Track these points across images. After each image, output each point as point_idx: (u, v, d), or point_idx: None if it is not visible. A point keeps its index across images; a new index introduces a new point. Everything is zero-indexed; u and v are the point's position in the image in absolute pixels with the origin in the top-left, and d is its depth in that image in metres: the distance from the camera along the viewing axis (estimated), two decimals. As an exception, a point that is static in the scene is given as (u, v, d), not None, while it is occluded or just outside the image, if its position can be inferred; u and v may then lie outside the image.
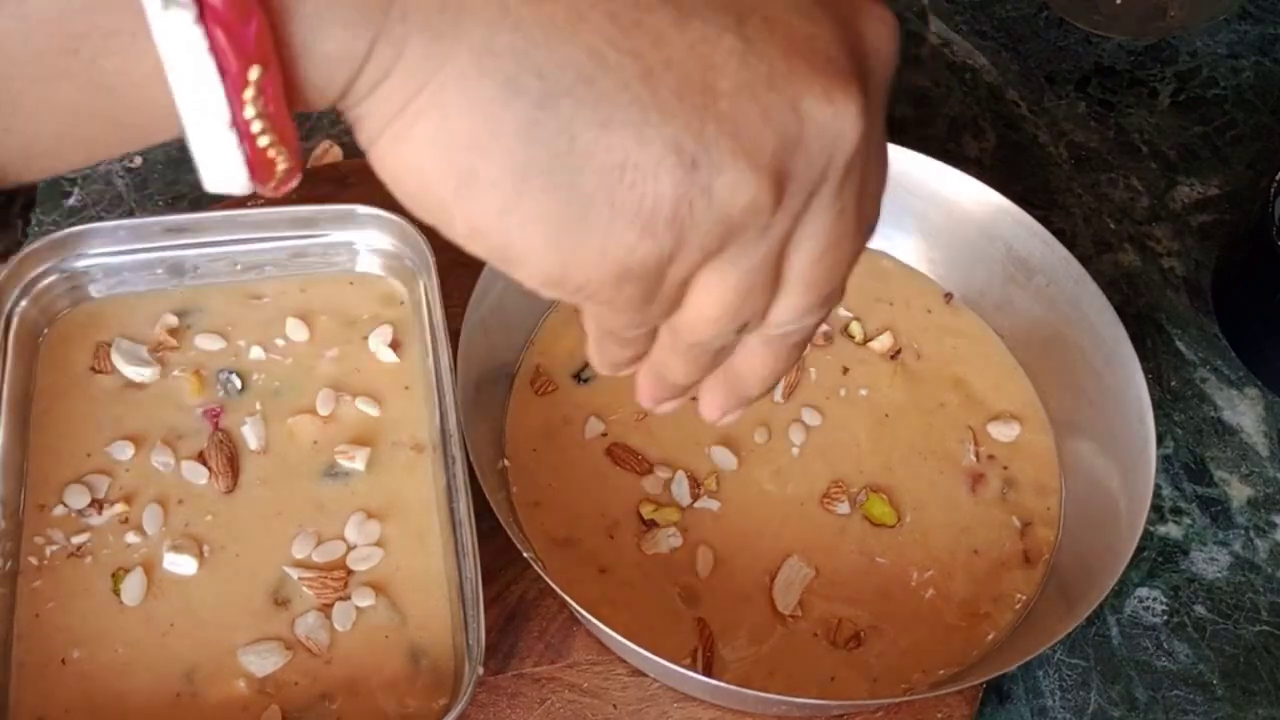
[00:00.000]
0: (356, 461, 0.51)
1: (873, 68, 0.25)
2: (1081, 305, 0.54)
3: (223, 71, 0.21)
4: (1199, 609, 0.54)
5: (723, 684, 0.45)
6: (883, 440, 0.54)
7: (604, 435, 0.53)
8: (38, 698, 0.44)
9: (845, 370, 0.56)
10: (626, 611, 0.48)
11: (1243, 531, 0.56)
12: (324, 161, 0.66)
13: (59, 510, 0.49)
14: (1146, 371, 0.51)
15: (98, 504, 0.49)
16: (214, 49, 0.21)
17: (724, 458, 0.53)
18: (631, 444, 0.53)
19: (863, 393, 0.56)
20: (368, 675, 0.46)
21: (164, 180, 0.64)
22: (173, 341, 0.54)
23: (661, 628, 0.48)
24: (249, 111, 0.22)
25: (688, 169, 0.23)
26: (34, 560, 0.47)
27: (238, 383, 0.53)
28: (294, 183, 0.24)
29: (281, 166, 0.24)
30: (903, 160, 0.57)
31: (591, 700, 0.48)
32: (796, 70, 0.23)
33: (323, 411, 0.52)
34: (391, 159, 0.24)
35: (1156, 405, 0.51)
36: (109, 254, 0.53)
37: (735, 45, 0.23)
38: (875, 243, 0.59)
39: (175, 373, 0.53)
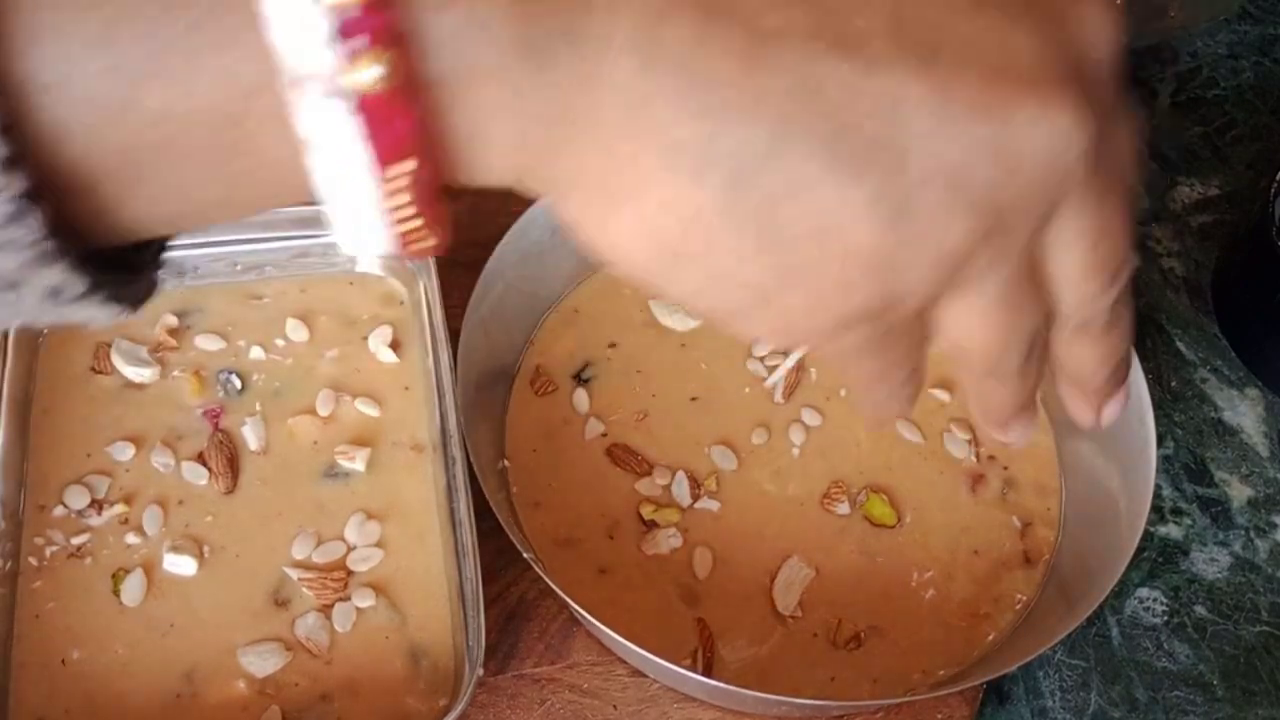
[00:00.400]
0: (356, 462, 0.51)
1: (1093, 59, 0.24)
2: (1081, 305, 0.54)
3: (375, 160, 0.21)
4: (1199, 609, 0.54)
5: (723, 684, 0.45)
6: (883, 440, 0.54)
7: (604, 435, 0.53)
8: (38, 698, 0.44)
9: (845, 370, 0.56)
10: (626, 612, 0.48)
11: (1243, 532, 0.56)
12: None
13: (59, 511, 0.49)
14: (1146, 372, 0.51)
15: (98, 504, 0.49)
16: (366, 136, 0.21)
17: (724, 458, 0.53)
18: (631, 444, 0.53)
19: (863, 393, 0.56)
20: (368, 676, 0.46)
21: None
22: (173, 342, 0.54)
23: (661, 628, 0.48)
24: (396, 200, 0.22)
25: (889, 221, 0.22)
26: (34, 561, 0.47)
27: (238, 383, 0.53)
28: (438, 252, 0.24)
29: (425, 245, 0.23)
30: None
31: (591, 701, 0.48)
32: (1000, 96, 0.22)
33: (323, 412, 0.52)
34: (593, 244, 0.24)
35: (1156, 405, 0.51)
36: (109, 254, 0.53)
37: (924, 95, 0.22)
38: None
39: (175, 373, 0.53)
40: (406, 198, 0.22)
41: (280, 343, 0.54)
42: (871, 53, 0.22)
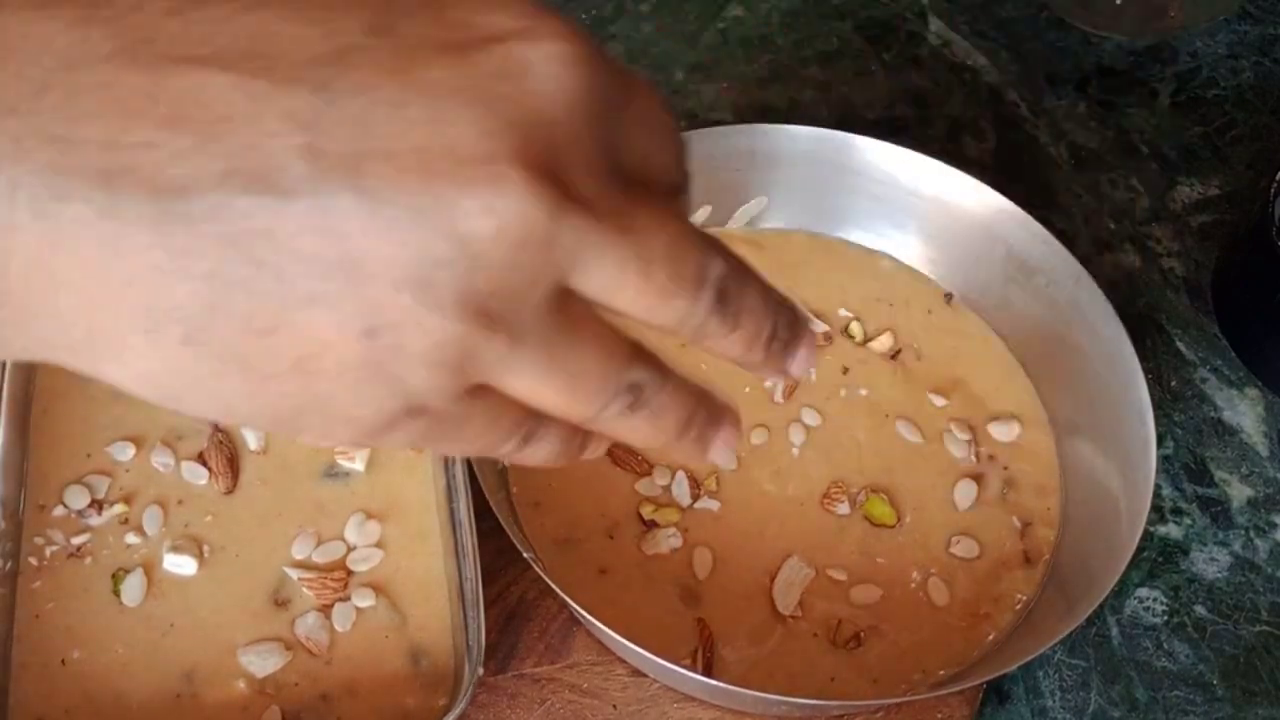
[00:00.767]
0: (356, 462, 0.51)
1: (548, 111, 0.23)
2: (1081, 305, 0.54)
3: None
4: (1199, 609, 0.54)
5: (723, 684, 0.45)
6: (883, 440, 0.54)
7: (604, 435, 0.53)
8: (38, 698, 0.45)
9: (845, 370, 0.56)
10: (626, 612, 0.48)
11: (1243, 532, 0.56)
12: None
13: (59, 511, 0.49)
14: (1146, 372, 0.51)
15: (97, 504, 0.49)
16: None
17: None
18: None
19: (863, 393, 0.56)
20: (368, 676, 0.46)
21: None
22: (173, 342, 0.54)
23: (661, 628, 0.48)
24: None
25: (364, 336, 0.22)
26: (34, 561, 0.47)
27: (238, 383, 0.53)
28: None
29: None
30: (902, 160, 0.57)
31: (591, 701, 0.48)
32: (436, 191, 0.22)
33: (323, 412, 0.52)
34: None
35: (1156, 405, 0.51)
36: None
37: (354, 208, 0.22)
38: (875, 243, 0.60)
39: (175, 373, 0.53)
40: None
41: (280, 343, 0.54)
42: (288, 183, 0.21)
